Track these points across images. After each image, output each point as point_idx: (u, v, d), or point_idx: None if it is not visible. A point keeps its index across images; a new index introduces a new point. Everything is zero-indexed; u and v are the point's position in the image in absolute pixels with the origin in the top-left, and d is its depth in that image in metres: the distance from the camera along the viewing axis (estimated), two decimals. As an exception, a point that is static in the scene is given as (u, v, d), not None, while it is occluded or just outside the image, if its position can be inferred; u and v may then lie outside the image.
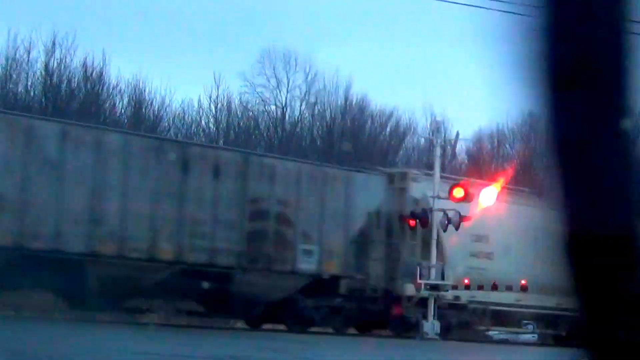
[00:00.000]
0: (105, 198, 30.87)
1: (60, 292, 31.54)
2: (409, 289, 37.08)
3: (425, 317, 38.69)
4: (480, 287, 38.33)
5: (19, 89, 55.13)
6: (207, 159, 34.01)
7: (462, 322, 38.99)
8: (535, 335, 46.93)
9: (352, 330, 37.69)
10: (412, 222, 39.55)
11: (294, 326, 34.98)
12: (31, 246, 29.75)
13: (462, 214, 39.11)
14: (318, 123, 65.86)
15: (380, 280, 37.35)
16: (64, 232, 30.03)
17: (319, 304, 35.79)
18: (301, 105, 65.09)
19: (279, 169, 35.54)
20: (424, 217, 39.18)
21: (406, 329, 36.92)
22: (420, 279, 36.65)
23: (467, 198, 38.41)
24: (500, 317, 40.32)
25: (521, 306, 39.99)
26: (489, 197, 38.98)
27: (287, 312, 35.57)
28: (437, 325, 38.49)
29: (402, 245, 37.76)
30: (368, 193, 36.83)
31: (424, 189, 38.31)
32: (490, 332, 45.38)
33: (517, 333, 46.78)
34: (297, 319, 35.33)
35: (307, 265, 35.15)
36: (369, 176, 38.23)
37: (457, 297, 38.37)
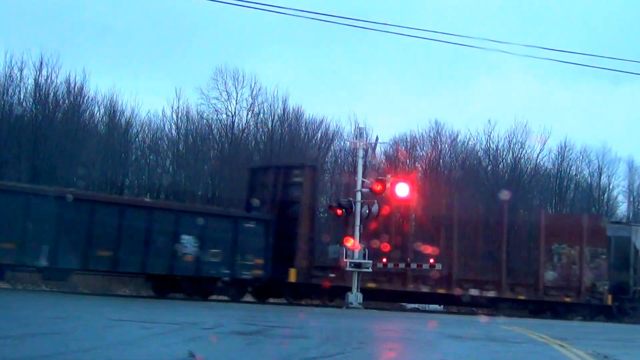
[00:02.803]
0: None
1: None
2: None
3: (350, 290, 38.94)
4: None
5: (14, 101, 54.59)
6: None
7: None
8: (442, 306, 47.47)
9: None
10: (339, 211, 39.88)
11: None
12: None
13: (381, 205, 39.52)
14: (261, 130, 65.70)
15: None
16: None
17: None
18: (247, 114, 64.87)
19: None
20: (349, 207, 39.49)
21: None
22: None
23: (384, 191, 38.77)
24: None
25: None
26: (403, 190, 39.29)
27: None
28: (359, 296, 38.74)
29: None
30: None
31: None
32: (403, 303, 45.78)
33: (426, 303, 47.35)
34: None
35: None
36: None
37: None
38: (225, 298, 38.93)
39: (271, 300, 41.79)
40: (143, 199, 40.58)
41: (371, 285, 40.70)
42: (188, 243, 36.62)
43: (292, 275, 39.95)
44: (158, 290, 38.71)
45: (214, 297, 38.89)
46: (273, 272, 39.10)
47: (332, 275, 40.34)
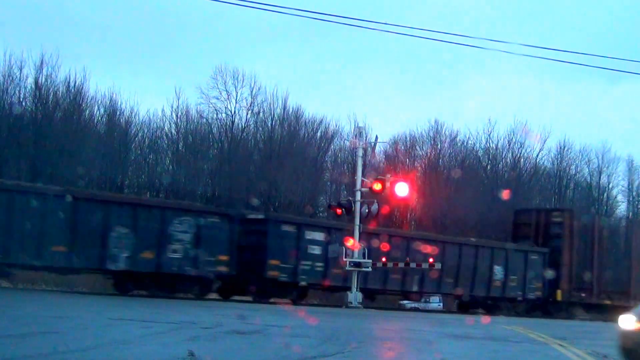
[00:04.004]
0: None
1: None
2: None
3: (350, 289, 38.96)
4: None
5: (14, 101, 54.58)
6: None
7: None
8: (441, 304, 47.46)
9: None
10: (338, 211, 39.94)
11: None
12: None
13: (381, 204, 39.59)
14: (261, 129, 65.69)
15: None
16: None
17: None
18: (247, 114, 64.83)
19: None
20: (348, 206, 39.52)
21: None
22: None
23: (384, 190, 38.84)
24: None
25: None
26: (403, 190, 39.43)
27: None
28: (359, 295, 38.77)
29: None
30: None
31: None
32: (402, 301, 45.87)
33: (426, 301, 47.47)
34: None
35: None
36: None
37: None
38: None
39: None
40: (470, 239, 50.26)
41: (607, 302, 51.11)
42: (498, 272, 47.36)
43: (559, 295, 49.96)
44: (461, 307, 48.31)
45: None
46: (546, 293, 49.64)
47: (583, 294, 50.85)
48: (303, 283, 40.61)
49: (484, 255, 47.09)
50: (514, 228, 53.81)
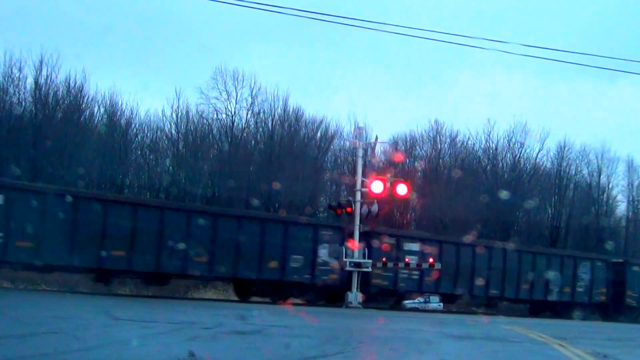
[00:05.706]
0: None
1: None
2: None
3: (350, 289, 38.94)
4: None
5: (13, 101, 54.64)
6: None
7: None
8: (441, 304, 47.45)
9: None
10: (339, 211, 39.90)
11: None
12: None
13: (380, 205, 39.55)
14: (261, 129, 65.77)
15: None
16: None
17: None
18: (247, 114, 64.96)
19: None
20: (347, 206, 39.47)
21: None
22: None
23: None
24: None
25: None
26: (403, 190, 39.37)
27: None
28: (359, 295, 38.74)
29: None
30: None
31: None
32: (403, 302, 45.83)
33: (426, 301, 47.44)
34: None
35: None
36: None
37: None
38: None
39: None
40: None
41: None
42: None
43: None
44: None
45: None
46: None
47: None
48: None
49: None
50: None
